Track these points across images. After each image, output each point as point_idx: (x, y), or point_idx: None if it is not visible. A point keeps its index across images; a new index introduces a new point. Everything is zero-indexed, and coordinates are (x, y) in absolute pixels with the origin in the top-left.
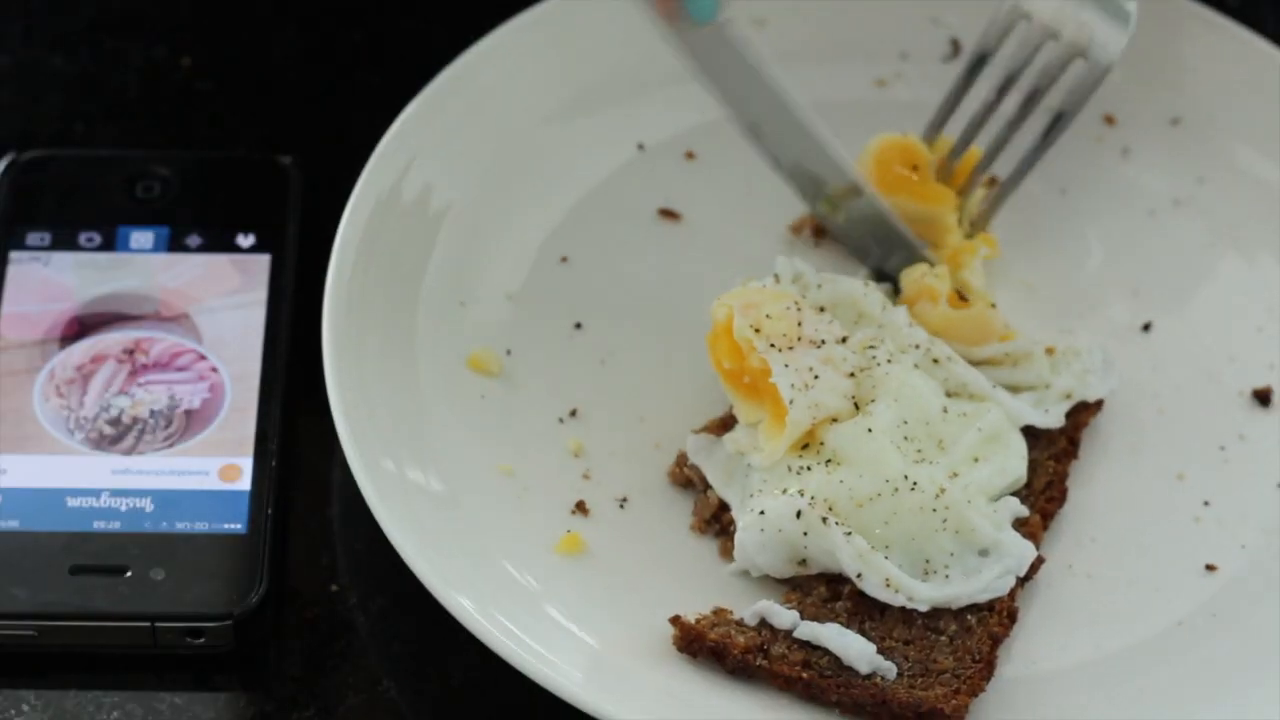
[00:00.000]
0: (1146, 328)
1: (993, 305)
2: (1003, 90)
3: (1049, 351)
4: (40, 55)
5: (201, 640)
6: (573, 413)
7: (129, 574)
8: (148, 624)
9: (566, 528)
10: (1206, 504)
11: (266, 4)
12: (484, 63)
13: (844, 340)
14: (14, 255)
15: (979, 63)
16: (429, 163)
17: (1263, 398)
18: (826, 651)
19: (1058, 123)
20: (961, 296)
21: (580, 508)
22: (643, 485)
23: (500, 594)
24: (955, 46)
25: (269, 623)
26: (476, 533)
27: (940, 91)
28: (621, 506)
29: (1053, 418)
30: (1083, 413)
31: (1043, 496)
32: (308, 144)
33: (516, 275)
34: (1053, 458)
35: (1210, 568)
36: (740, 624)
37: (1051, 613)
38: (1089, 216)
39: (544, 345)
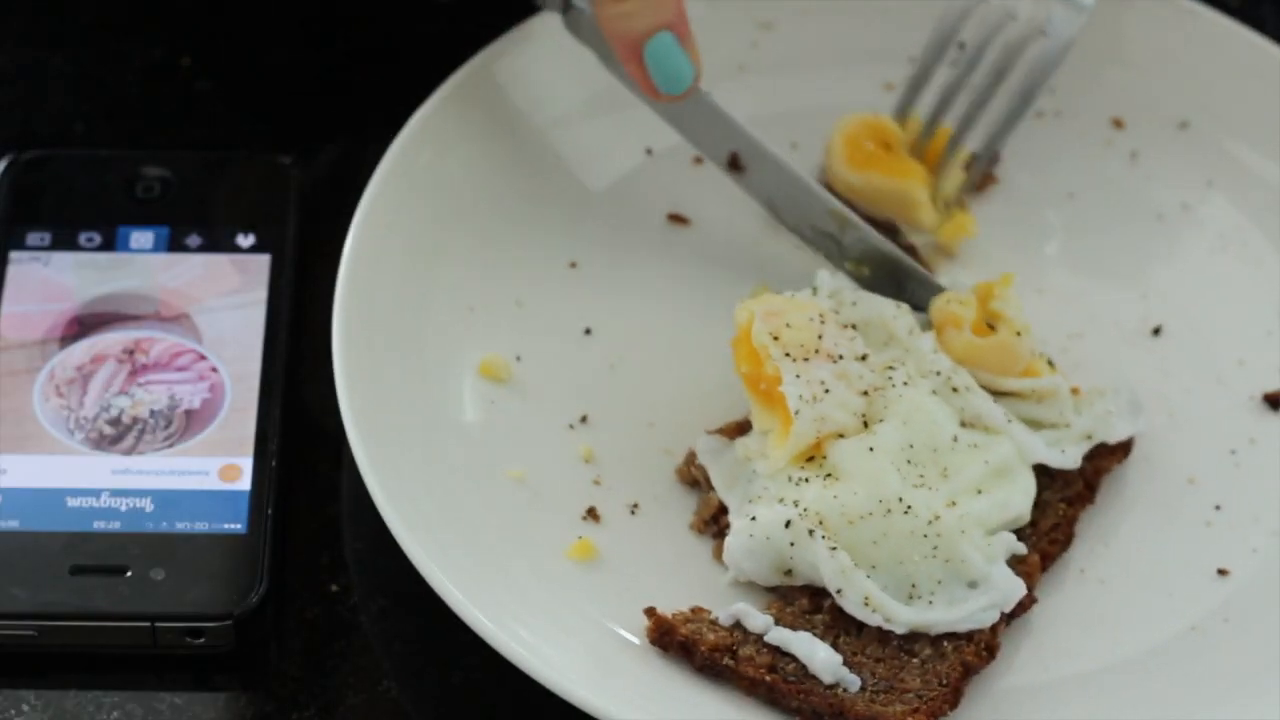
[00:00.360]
0: (1156, 331)
1: (1019, 333)
2: (968, 70)
3: (1074, 391)
4: (40, 55)
5: (201, 640)
6: (583, 419)
7: (129, 574)
8: (148, 624)
9: (578, 534)
10: (1218, 508)
11: (266, 4)
12: (493, 67)
13: (864, 358)
14: (14, 255)
15: (943, 43)
16: (437, 168)
17: (1273, 401)
18: (794, 659)
19: (1022, 100)
20: (990, 325)
21: (591, 514)
22: (654, 491)
23: (512, 600)
24: (962, 50)
25: (269, 623)
26: (488, 539)
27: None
28: (633, 512)
29: (1069, 458)
30: (1105, 458)
31: (1046, 538)
32: (308, 144)
33: (526, 280)
34: (1065, 500)
35: (1222, 572)
36: (714, 623)
37: (1064, 618)
38: (1098, 220)
39: (554, 351)
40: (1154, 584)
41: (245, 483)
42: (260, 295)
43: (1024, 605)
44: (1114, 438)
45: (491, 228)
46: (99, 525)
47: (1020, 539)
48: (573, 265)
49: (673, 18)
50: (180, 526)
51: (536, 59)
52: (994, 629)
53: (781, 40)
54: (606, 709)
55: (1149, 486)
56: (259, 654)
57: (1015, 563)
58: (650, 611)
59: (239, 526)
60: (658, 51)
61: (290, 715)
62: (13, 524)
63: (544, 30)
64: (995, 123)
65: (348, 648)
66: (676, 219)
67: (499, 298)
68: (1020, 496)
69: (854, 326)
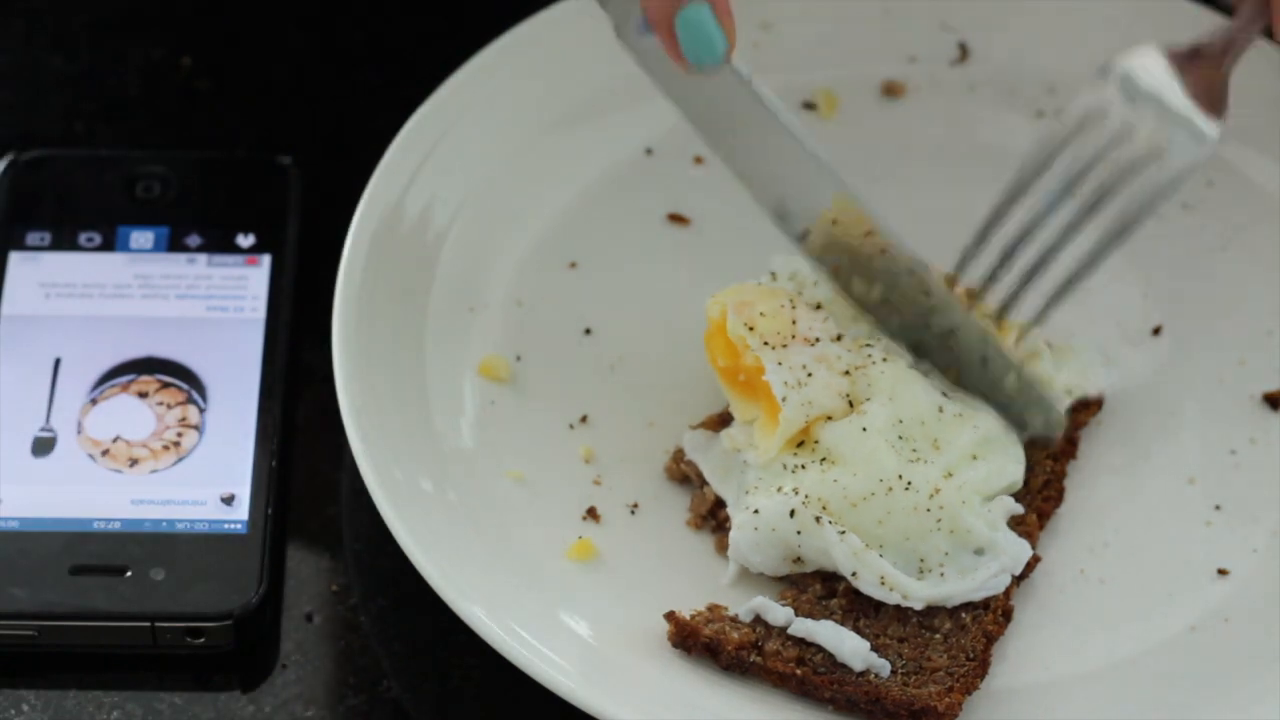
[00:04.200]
0: (1156, 331)
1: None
2: (1051, 204)
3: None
4: (40, 55)
5: (201, 640)
6: (583, 419)
7: (129, 574)
8: (148, 624)
9: (578, 534)
10: (1218, 508)
11: (266, 4)
12: (491, 67)
13: (839, 338)
14: (14, 255)
15: (1039, 168)
16: (436, 168)
17: (1274, 401)
18: (821, 649)
19: (1117, 232)
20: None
21: (591, 514)
22: (654, 491)
23: (513, 601)
24: (963, 50)
25: (269, 623)
26: (488, 540)
27: (948, 96)
28: (633, 512)
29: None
30: (1082, 412)
31: (1040, 496)
32: (308, 144)
33: (525, 281)
34: (1051, 457)
35: (1222, 572)
36: (735, 620)
37: (1064, 618)
38: None
39: (553, 351)
40: (1154, 584)
41: (245, 483)
42: (260, 295)
43: (1030, 565)
44: (1093, 391)
45: (490, 227)
46: (99, 525)
47: (1017, 499)
48: (572, 265)
49: None
50: (180, 526)
51: (535, 59)
52: (1007, 593)
53: (781, 40)
54: (606, 709)
55: (1149, 486)
56: (259, 654)
57: (1015, 523)
58: (670, 615)
59: (239, 526)
60: (693, 18)
61: (290, 715)
62: (13, 524)
63: (544, 30)
64: (1072, 262)
65: (348, 648)
66: (676, 219)
67: (499, 298)
68: (1013, 464)
69: (819, 306)
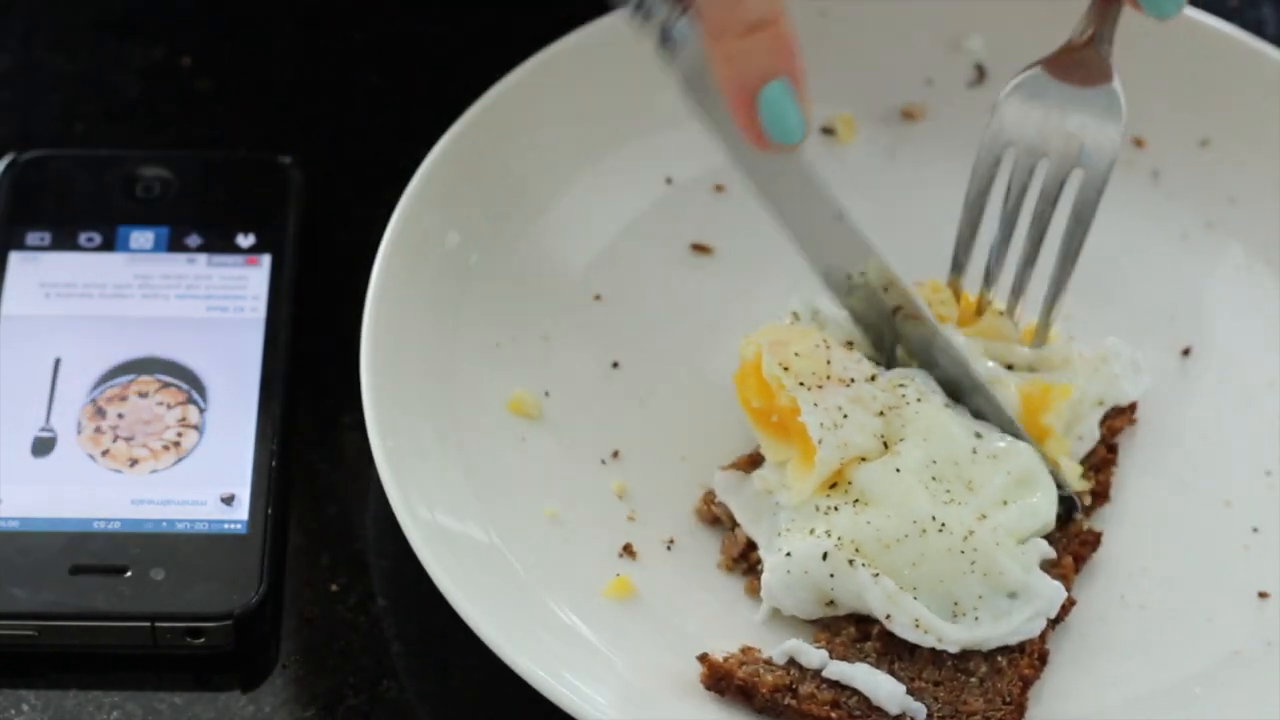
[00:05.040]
0: (1186, 353)
1: (1001, 313)
2: (1009, 226)
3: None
4: (40, 55)
5: (201, 640)
6: (615, 454)
7: (129, 574)
8: (148, 624)
9: (615, 571)
10: (1255, 530)
11: (266, 4)
12: (510, 100)
13: (873, 378)
14: (14, 255)
15: (981, 199)
16: (458, 204)
17: None
18: (856, 692)
19: (1072, 242)
20: (979, 310)
21: (628, 550)
22: (689, 526)
23: (557, 644)
24: (980, 72)
25: (269, 623)
26: (527, 579)
27: (967, 118)
28: (669, 548)
29: (1087, 432)
30: (1117, 418)
31: (1076, 540)
32: (308, 144)
33: (551, 315)
34: (1092, 467)
35: (1263, 595)
36: (769, 663)
37: (1106, 645)
38: (1121, 241)
39: (582, 386)
40: (1194, 609)
41: (245, 483)
42: (260, 295)
43: (1065, 608)
44: (1124, 400)
45: (514, 261)
46: (99, 525)
47: (1051, 542)
48: (597, 298)
49: (793, 65)
50: (180, 526)
51: (554, 90)
52: (1042, 636)
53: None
54: None
55: (1186, 510)
56: (259, 654)
57: (1049, 566)
58: (703, 658)
59: (239, 526)
60: (774, 99)
61: (290, 715)
62: (13, 524)
63: (561, 61)
64: (1050, 272)
65: (348, 648)
66: (699, 248)
67: (525, 333)
68: (1046, 505)
69: (850, 344)
